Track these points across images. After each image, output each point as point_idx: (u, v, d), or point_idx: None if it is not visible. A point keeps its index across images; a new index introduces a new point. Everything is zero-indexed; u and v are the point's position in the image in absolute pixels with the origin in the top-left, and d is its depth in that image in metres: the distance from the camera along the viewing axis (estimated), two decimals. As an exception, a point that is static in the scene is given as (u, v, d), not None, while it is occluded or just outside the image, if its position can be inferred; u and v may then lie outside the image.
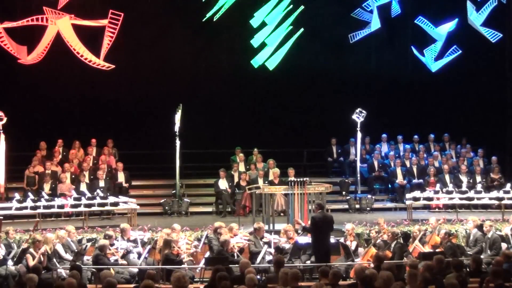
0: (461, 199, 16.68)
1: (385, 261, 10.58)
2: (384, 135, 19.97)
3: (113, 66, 19.07)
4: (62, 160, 18.08)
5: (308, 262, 12.77)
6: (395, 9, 20.04)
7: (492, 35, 19.66)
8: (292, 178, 15.43)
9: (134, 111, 19.90)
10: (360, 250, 13.50)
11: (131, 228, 13.95)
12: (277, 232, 13.88)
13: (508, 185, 16.79)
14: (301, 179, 15.07)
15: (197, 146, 19.17)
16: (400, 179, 18.20)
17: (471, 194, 16.75)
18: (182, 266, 12.08)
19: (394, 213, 17.26)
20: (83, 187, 16.88)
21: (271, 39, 19.63)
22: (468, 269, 11.18)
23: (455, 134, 20.11)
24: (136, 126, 19.85)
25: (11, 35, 18.58)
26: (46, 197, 15.88)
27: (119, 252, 12.63)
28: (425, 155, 19.02)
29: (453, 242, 13.08)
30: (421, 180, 18.11)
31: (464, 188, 17.03)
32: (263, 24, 19.56)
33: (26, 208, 15.36)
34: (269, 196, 15.31)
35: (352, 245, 13.26)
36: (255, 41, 19.56)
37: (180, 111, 17.23)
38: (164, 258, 12.08)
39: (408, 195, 16.88)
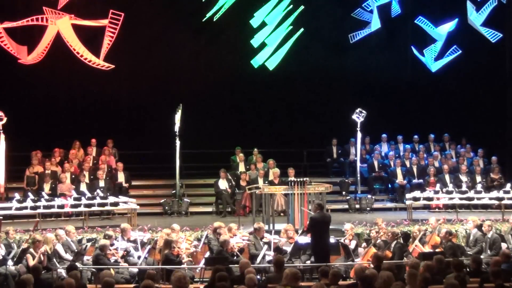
0: (461, 199, 16.67)
1: (385, 261, 10.59)
2: (384, 135, 19.97)
3: (113, 66, 19.08)
4: (62, 160, 18.08)
5: (308, 262, 12.77)
6: (395, 9, 20.04)
7: (492, 35, 19.66)
8: (292, 178, 15.42)
9: (134, 111, 19.93)
10: (360, 250, 13.50)
11: (131, 229, 13.94)
12: (277, 232, 13.87)
13: (508, 185, 16.78)
14: (301, 179, 15.06)
15: (197, 146, 19.16)
16: (400, 179, 18.20)
17: (471, 194, 16.74)
18: (182, 266, 12.08)
19: (394, 213, 17.24)
20: (83, 187, 16.88)
21: (271, 39, 19.65)
22: (468, 269, 11.18)
23: (455, 134, 20.12)
24: (136, 126, 19.87)
25: (11, 35, 18.59)
26: (46, 197, 15.88)
27: (119, 253, 12.62)
28: (425, 155, 19.02)
29: (453, 242, 13.08)
30: (421, 180, 18.11)
31: (464, 188, 17.02)
32: (263, 24, 19.58)
33: (26, 208, 15.36)
34: (269, 196, 15.31)
35: (352, 244, 13.26)
36: (255, 41, 19.57)
37: (180, 111, 17.22)
38: (164, 258, 12.08)
39: (408, 195, 16.88)
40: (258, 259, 12.55)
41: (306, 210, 14.39)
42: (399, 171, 18.34)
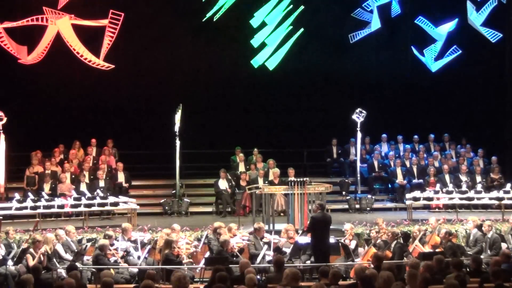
0: (461, 199, 16.67)
1: (385, 261, 10.59)
2: (384, 135, 19.97)
3: (113, 66, 19.09)
4: (62, 160, 18.08)
5: (308, 262, 12.77)
6: (395, 9, 20.05)
7: (492, 35, 19.68)
8: (292, 178, 15.42)
9: (134, 111, 19.91)
10: (360, 250, 13.50)
11: (132, 229, 13.93)
12: (277, 232, 13.87)
13: (508, 185, 16.78)
14: (301, 179, 15.06)
15: (197, 146, 19.18)
16: (400, 179, 18.19)
17: (471, 194, 16.74)
18: (182, 266, 12.08)
19: (394, 213, 17.25)
20: (83, 187, 16.88)
21: (271, 39, 19.65)
22: (468, 269, 11.18)
23: (455, 134, 20.11)
24: (136, 126, 19.86)
25: (11, 35, 18.60)
26: (46, 197, 15.88)
27: (119, 253, 12.61)
28: (425, 155, 19.01)
29: (453, 242, 13.08)
30: (421, 180, 18.11)
31: (464, 188, 17.02)
32: (263, 24, 19.58)
33: (26, 208, 15.35)
34: (269, 196, 15.30)
35: (352, 244, 13.26)
36: (255, 41, 19.58)
37: (180, 111, 17.22)
38: (164, 258, 12.08)
39: (408, 195, 16.88)
40: (258, 259, 12.55)
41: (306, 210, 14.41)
42: (399, 171, 18.34)
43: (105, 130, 19.19)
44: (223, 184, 17.63)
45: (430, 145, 19.89)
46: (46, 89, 19.45)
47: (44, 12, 18.61)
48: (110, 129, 19.34)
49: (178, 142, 17.15)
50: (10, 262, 12.26)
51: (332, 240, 13.14)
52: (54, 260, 12.33)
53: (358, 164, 17.97)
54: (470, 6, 19.68)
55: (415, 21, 20.11)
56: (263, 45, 19.68)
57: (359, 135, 17.81)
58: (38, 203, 15.38)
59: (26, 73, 19.12)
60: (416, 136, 19.87)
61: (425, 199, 16.67)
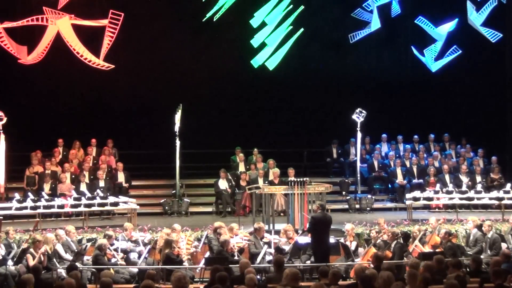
0: (461, 199, 16.67)
1: (385, 261, 10.59)
2: (384, 135, 19.97)
3: (113, 66, 19.09)
4: (62, 160, 18.08)
5: (308, 262, 12.78)
6: (395, 9, 20.06)
7: (492, 35, 19.68)
8: (292, 178, 15.42)
9: (134, 111, 19.90)
10: (360, 250, 13.50)
11: (132, 229, 13.93)
12: (277, 232, 13.88)
13: (508, 185, 16.79)
14: (301, 179, 15.06)
15: (197, 146, 19.15)
16: (400, 179, 18.20)
17: (471, 194, 16.75)
18: (182, 266, 12.09)
19: (394, 213, 17.25)
20: (83, 187, 16.88)
21: (271, 39, 19.66)
22: (468, 269, 11.18)
23: (455, 134, 20.12)
24: (136, 126, 19.85)
25: (11, 35, 18.60)
26: (46, 197, 15.88)
27: (119, 254, 12.61)
28: (425, 155, 19.02)
29: (453, 242, 13.08)
30: (421, 180, 18.11)
31: (464, 188, 17.03)
32: (263, 24, 19.60)
33: (26, 208, 15.36)
34: (269, 196, 15.31)
35: (352, 245, 13.27)
36: (255, 41, 19.59)
37: (180, 111, 17.23)
38: (165, 258, 12.08)
39: (408, 195, 16.88)
40: (258, 259, 12.56)
41: (306, 215, 14.39)
42: (399, 171, 18.34)
43: (105, 130, 19.18)
44: (223, 184, 17.63)
45: (430, 145, 19.89)
46: (46, 89, 19.46)
47: (44, 12, 18.61)
48: (110, 129, 19.33)
49: (178, 142, 17.15)
50: (10, 262, 12.26)
51: (332, 240, 13.15)
52: (54, 260, 12.34)
53: (358, 164, 17.97)
54: (470, 6, 19.70)
55: (415, 21, 20.12)
56: (263, 45, 19.69)
57: (359, 135, 17.81)
58: (38, 203, 15.38)
59: (26, 73, 19.12)
60: (416, 136, 19.87)
61: (425, 199, 16.68)
